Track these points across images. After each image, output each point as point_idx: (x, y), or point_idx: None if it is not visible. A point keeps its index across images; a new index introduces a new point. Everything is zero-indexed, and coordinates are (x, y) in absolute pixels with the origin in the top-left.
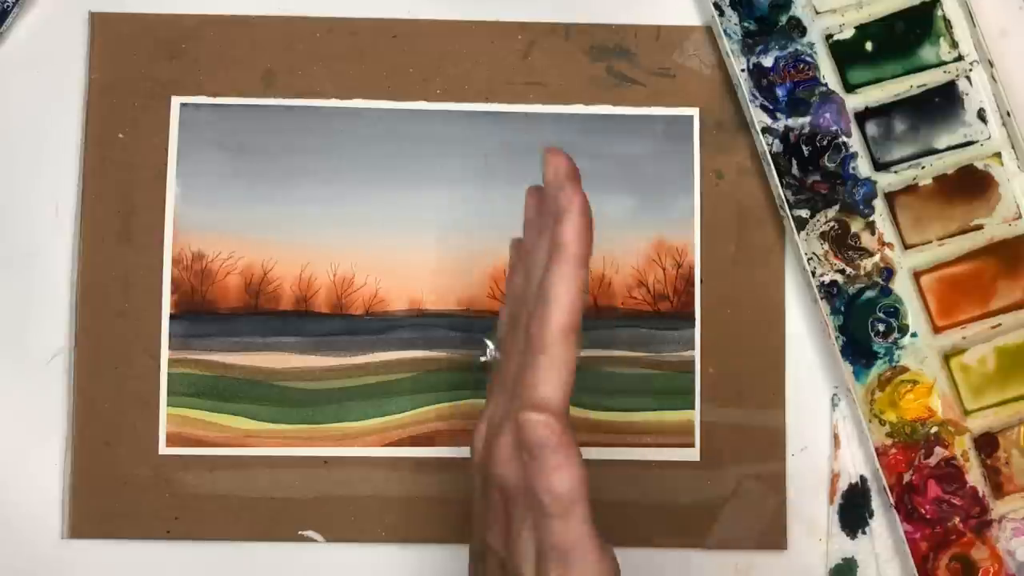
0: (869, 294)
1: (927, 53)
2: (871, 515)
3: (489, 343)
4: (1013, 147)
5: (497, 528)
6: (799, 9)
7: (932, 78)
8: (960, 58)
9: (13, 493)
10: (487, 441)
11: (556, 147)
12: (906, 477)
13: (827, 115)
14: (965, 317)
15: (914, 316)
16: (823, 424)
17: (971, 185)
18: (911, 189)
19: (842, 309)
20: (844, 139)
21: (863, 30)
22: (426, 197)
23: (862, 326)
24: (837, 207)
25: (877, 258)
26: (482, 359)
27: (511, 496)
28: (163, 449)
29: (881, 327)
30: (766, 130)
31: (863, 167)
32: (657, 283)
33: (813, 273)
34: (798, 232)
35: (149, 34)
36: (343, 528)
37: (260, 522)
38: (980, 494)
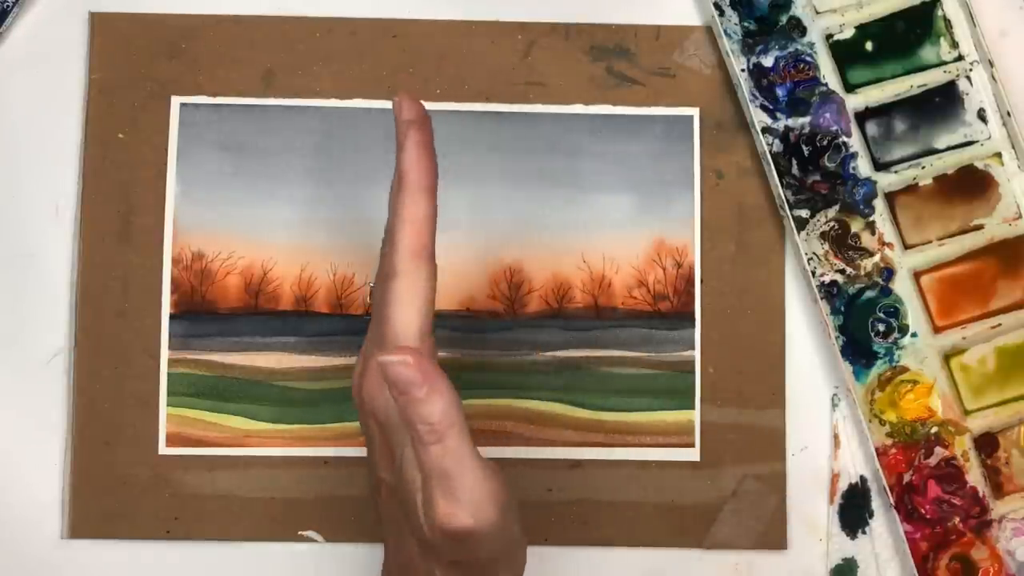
0: (869, 294)
1: (927, 53)
2: (871, 515)
3: (372, 283)
4: (1013, 147)
5: (381, 457)
6: (799, 9)
7: (932, 78)
8: (960, 58)
9: (13, 493)
10: (359, 374)
11: (407, 94)
12: (906, 477)
13: (827, 115)
14: (965, 317)
15: (914, 316)
16: (823, 424)
17: (971, 185)
18: (911, 189)
19: (842, 309)
20: (844, 139)
21: (863, 30)
22: None
23: (862, 326)
24: (837, 207)
25: (877, 258)
26: (368, 300)
27: (386, 424)
28: (163, 449)
29: (881, 327)
30: (766, 130)
31: (863, 167)
32: (657, 283)
33: (813, 273)
34: (798, 232)
35: (149, 34)
36: (343, 528)
37: (260, 522)
38: (980, 494)
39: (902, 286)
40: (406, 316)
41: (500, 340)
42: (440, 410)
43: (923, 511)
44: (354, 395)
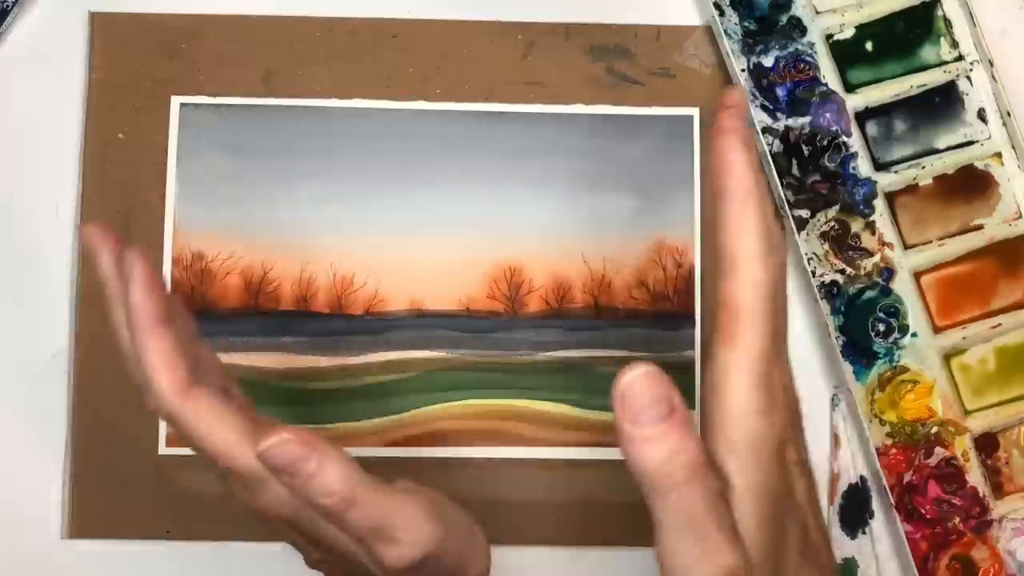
0: (869, 294)
1: (927, 53)
2: (871, 515)
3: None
4: (1013, 147)
5: (304, 543)
6: (799, 9)
7: (932, 78)
8: (960, 58)
9: (13, 493)
10: (229, 479)
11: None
12: (906, 477)
13: (827, 115)
14: (965, 317)
15: (914, 316)
16: (823, 424)
17: (971, 185)
18: (911, 189)
19: (842, 309)
20: (844, 139)
21: (863, 30)
22: (426, 197)
23: (862, 326)
24: (837, 207)
25: (877, 258)
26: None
27: (290, 515)
28: (163, 449)
29: (881, 327)
30: (766, 130)
31: (863, 167)
32: (657, 283)
33: (813, 273)
34: (798, 232)
35: (149, 34)
36: None
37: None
38: (980, 494)
39: (902, 286)
40: (219, 438)
41: (500, 340)
42: (340, 476)
43: (923, 511)
44: (237, 496)
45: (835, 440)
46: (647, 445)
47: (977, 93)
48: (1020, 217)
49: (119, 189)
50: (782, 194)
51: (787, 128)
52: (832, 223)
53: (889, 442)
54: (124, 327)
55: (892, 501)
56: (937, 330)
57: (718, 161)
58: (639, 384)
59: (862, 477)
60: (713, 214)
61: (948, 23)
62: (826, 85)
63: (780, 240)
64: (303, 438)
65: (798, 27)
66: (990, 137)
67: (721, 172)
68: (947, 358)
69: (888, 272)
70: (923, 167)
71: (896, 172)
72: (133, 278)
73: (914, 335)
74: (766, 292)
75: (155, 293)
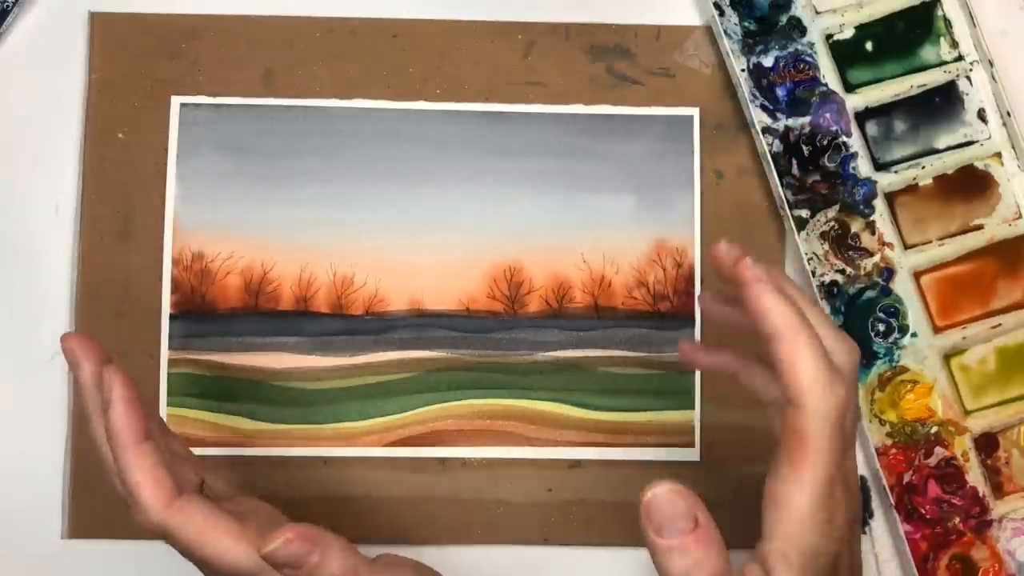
0: (869, 294)
1: (927, 53)
2: (871, 515)
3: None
4: (1013, 147)
5: None
6: (799, 9)
7: (932, 78)
8: (960, 58)
9: (13, 493)
10: None
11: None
12: (906, 477)
13: (827, 115)
14: (965, 317)
15: (914, 316)
16: None
17: (971, 185)
18: (911, 189)
19: (842, 309)
20: (844, 139)
21: (863, 30)
22: (426, 197)
23: (862, 326)
24: (837, 207)
25: (877, 258)
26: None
27: None
28: None
29: (881, 327)
30: (766, 130)
31: (863, 167)
32: (657, 283)
33: (813, 273)
34: (798, 232)
35: (149, 34)
36: (343, 528)
37: None
38: (980, 494)
39: (902, 286)
40: (212, 544)
41: (500, 340)
42: (342, 563)
43: (923, 511)
44: None
45: None
46: (671, 555)
47: (977, 93)
48: (1020, 217)
49: (119, 189)
50: (782, 194)
51: (787, 128)
52: (832, 223)
53: (889, 442)
54: (104, 441)
55: (892, 501)
56: (937, 330)
57: (755, 311)
58: (662, 499)
59: (862, 477)
60: (712, 213)
61: (948, 23)
62: (826, 85)
63: (846, 360)
64: (304, 534)
65: (798, 27)
66: (990, 137)
67: (762, 320)
68: (947, 358)
69: (888, 272)
70: (923, 167)
71: (896, 172)
72: (113, 398)
73: (914, 335)
74: (832, 421)
75: (135, 410)
